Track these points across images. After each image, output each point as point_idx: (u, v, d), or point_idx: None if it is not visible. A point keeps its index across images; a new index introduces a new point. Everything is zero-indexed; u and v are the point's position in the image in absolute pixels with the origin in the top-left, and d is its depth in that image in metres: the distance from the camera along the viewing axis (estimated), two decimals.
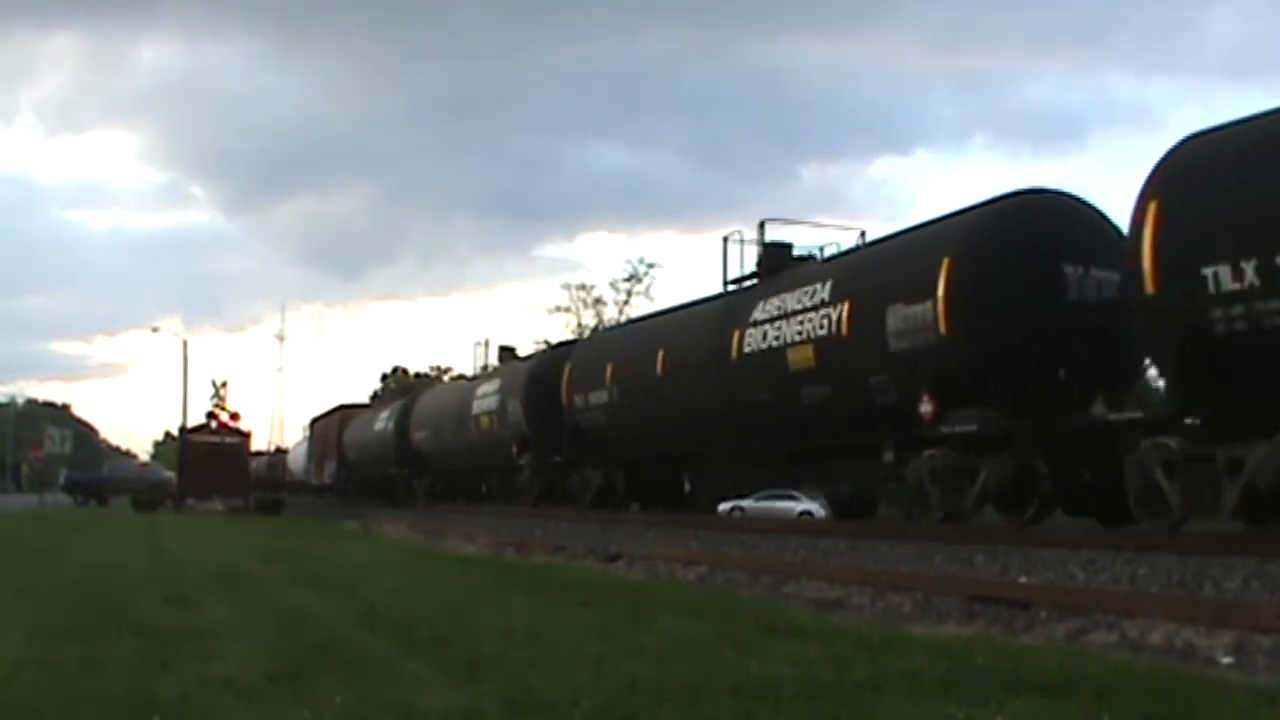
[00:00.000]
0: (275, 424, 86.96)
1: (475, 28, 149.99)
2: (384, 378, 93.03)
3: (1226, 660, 6.23)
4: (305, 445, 61.99)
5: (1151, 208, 11.94)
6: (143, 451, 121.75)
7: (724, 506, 30.58)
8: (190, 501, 40.11)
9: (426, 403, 40.02)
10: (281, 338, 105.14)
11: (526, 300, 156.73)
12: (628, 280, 62.08)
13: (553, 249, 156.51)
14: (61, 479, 51.91)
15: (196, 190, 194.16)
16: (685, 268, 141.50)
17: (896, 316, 15.35)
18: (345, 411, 52.77)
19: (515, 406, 29.17)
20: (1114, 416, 12.86)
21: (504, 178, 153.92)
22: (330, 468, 52.68)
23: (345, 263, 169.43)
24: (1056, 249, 14.30)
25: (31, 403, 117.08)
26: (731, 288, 21.82)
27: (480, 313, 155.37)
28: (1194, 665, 6.15)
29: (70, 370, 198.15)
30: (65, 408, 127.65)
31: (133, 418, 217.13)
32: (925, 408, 14.77)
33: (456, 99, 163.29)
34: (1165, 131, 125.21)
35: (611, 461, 24.78)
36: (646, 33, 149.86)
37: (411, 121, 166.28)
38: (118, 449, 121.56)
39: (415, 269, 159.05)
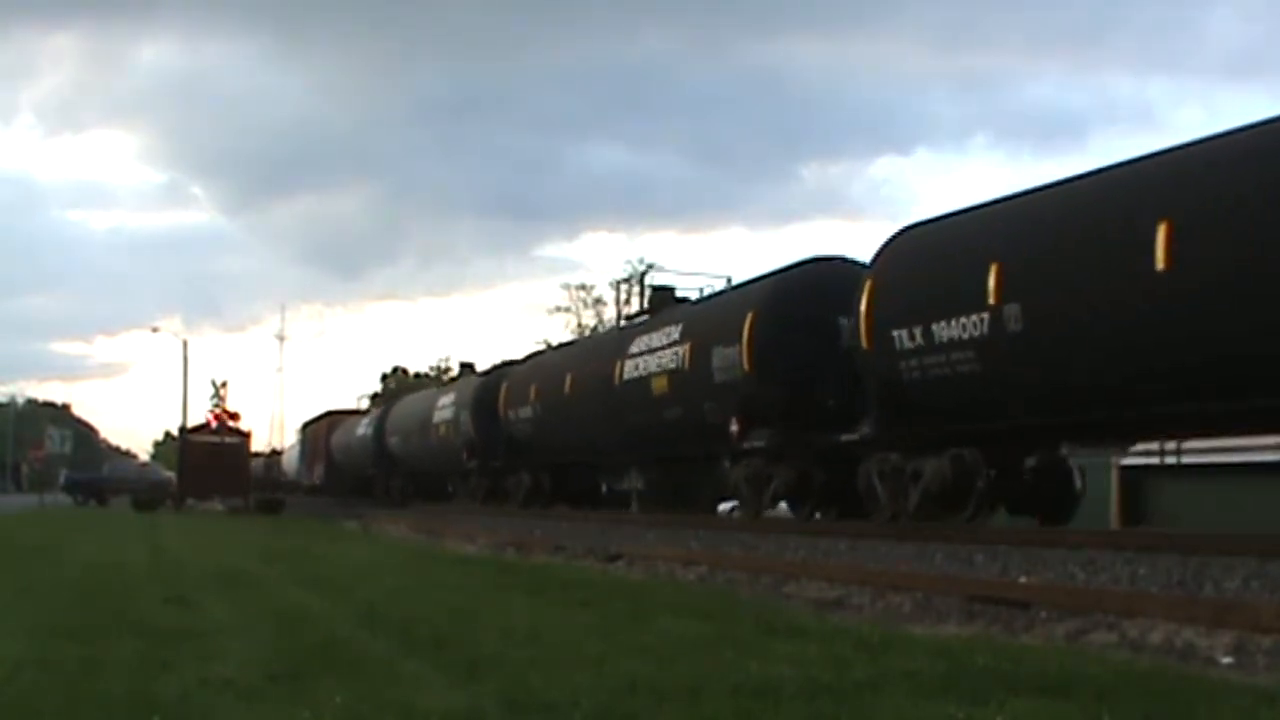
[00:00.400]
0: (275, 424, 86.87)
1: (475, 27, 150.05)
2: (384, 378, 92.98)
3: (1226, 660, 6.23)
4: (298, 448, 63.87)
5: (867, 284, 15.70)
6: (143, 451, 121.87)
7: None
8: (190, 501, 40.14)
9: (399, 410, 43.16)
10: (281, 338, 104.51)
11: (527, 300, 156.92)
12: (627, 281, 62.12)
13: (553, 249, 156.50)
14: (61, 479, 51.99)
15: (196, 190, 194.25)
16: (686, 268, 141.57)
17: (719, 355, 19.27)
18: (334, 417, 55.39)
19: (465, 417, 33.09)
20: (844, 437, 16.42)
21: (504, 177, 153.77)
22: (320, 469, 54.86)
23: (345, 263, 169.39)
24: (833, 305, 17.08)
25: (31, 403, 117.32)
26: (624, 323, 26.85)
27: (481, 313, 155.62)
28: (1194, 665, 6.15)
29: (70, 370, 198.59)
30: (65, 408, 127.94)
31: (133, 418, 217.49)
32: (733, 427, 18.57)
33: (457, 98, 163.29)
34: (1166, 132, 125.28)
35: (538, 467, 29.12)
36: (647, 32, 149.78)
37: (412, 121, 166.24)
38: (118, 449, 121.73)
39: (415, 269, 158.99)
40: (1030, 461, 15.12)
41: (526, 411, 28.37)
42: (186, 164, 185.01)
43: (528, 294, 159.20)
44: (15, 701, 5.03)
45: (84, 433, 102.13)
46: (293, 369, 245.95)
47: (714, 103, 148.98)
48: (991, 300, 13.38)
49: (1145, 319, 11.84)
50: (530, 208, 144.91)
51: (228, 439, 42.06)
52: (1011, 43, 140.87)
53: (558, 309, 64.12)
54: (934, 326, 14.16)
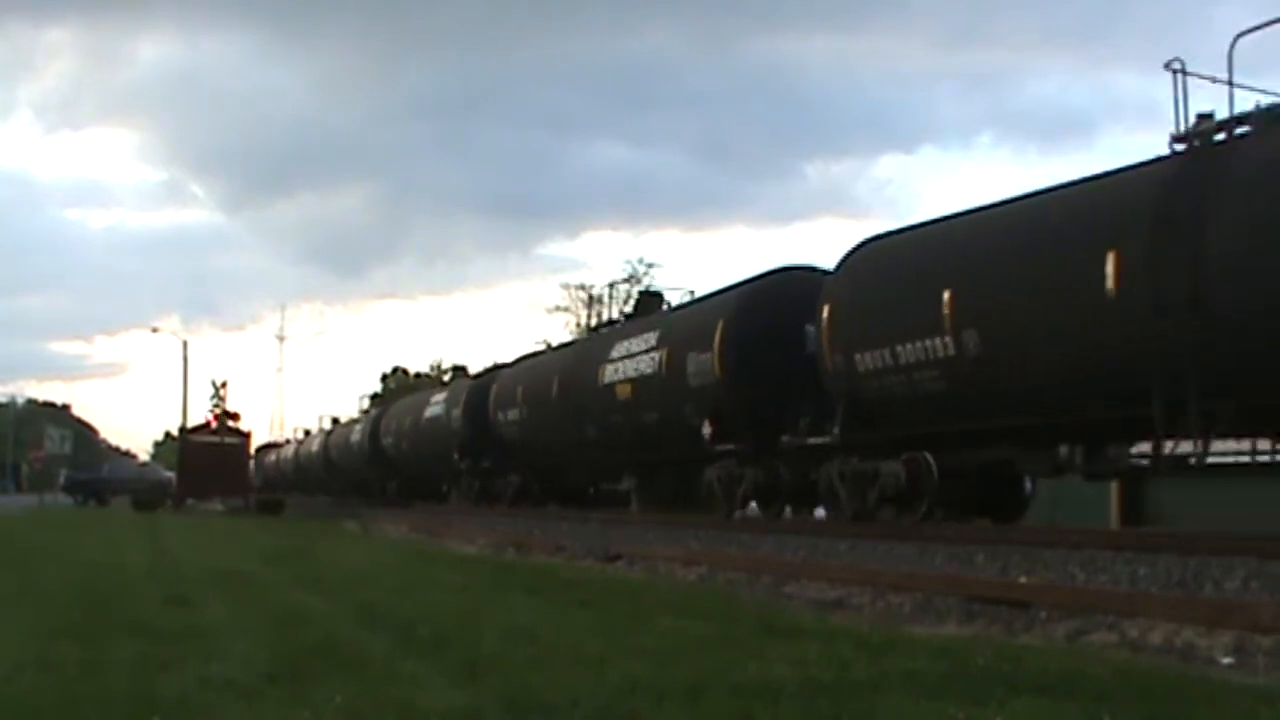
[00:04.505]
0: (275, 424, 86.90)
1: (477, 24, 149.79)
2: (384, 378, 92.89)
3: (1226, 660, 6.23)
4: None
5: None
6: (143, 451, 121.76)
7: None
8: (190, 502, 40.12)
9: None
10: (281, 337, 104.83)
11: (529, 299, 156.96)
12: (627, 281, 62.14)
13: (555, 247, 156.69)
14: (61, 479, 51.93)
15: (196, 188, 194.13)
16: (687, 267, 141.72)
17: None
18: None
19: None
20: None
21: (506, 176, 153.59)
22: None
23: (346, 261, 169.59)
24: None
25: (31, 403, 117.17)
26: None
27: (482, 312, 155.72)
28: (1194, 665, 6.15)
29: (70, 370, 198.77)
30: (65, 408, 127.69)
31: (133, 418, 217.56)
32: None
33: (458, 96, 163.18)
34: (1172, 129, 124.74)
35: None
36: (650, 29, 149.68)
37: (412, 118, 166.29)
38: (118, 449, 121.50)
39: (416, 267, 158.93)
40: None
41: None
42: (186, 162, 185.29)
43: (529, 293, 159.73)
44: (15, 701, 5.03)
45: (84, 433, 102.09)
46: (292, 369, 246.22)
47: (717, 100, 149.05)
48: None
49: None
50: (532, 206, 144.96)
51: (228, 439, 42.05)
52: (1017, 40, 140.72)
53: (557, 309, 64.13)
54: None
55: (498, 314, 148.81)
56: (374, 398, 76.36)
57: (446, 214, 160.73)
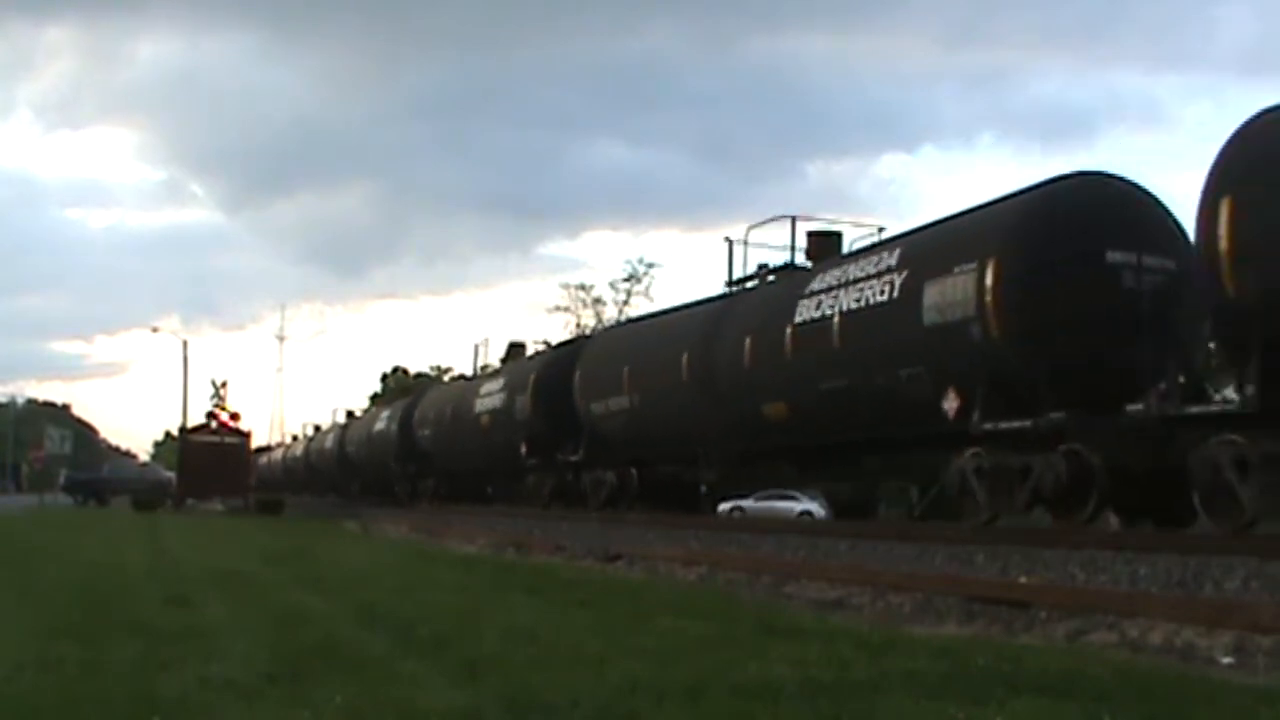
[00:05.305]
0: (275, 424, 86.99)
1: (477, 24, 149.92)
2: (384, 378, 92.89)
3: (1226, 660, 6.23)
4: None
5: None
6: (143, 451, 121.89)
7: (724, 507, 30.60)
8: (190, 502, 40.11)
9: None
10: (281, 337, 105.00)
11: (529, 299, 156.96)
12: (627, 280, 62.06)
13: (555, 247, 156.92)
14: (61, 479, 51.88)
15: (196, 188, 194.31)
16: (688, 267, 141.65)
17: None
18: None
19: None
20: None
21: (506, 175, 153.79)
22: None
23: (346, 261, 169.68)
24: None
25: (31, 403, 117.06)
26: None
27: (482, 312, 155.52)
28: (1194, 665, 6.15)
29: (70, 370, 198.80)
30: (65, 408, 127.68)
31: (133, 418, 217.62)
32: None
33: (458, 95, 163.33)
34: (1175, 129, 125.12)
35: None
36: (651, 28, 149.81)
37: (413, 118, 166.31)
38: (118, 449, 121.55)
39: (416, 267, 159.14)
40: None
41: (620, 402, 23.97)
42: (185, 161, 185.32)
43: (530, 293, 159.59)
44: (15, 701, 5.03)
45: (84, 433, 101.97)
46: (293, 368, 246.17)
47: (718, 99, 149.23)
48: None
49: None
50: (532, 206, 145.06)
51: (228, 439, 42.02)
52: (1018, 39, 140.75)
53: (557, 309, 64.08)
54: None
55: (498, 314, 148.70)
56: (373, 398, 76.38)
57: (446, 214, 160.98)
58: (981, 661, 5.79)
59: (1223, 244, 11.18)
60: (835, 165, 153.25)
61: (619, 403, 24.23)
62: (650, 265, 60.75)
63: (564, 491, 27.88)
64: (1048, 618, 7.69)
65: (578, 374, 26.47)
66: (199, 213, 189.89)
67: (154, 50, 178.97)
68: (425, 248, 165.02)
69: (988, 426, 14.17)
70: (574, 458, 26.63)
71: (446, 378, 71.60)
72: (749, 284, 22.38)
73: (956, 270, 14.59)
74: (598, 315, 61.08)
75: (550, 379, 28.08)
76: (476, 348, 41.21)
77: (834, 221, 22.42)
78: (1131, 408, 12.56)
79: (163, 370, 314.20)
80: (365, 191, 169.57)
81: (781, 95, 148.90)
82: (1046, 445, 13.62)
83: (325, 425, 64.03)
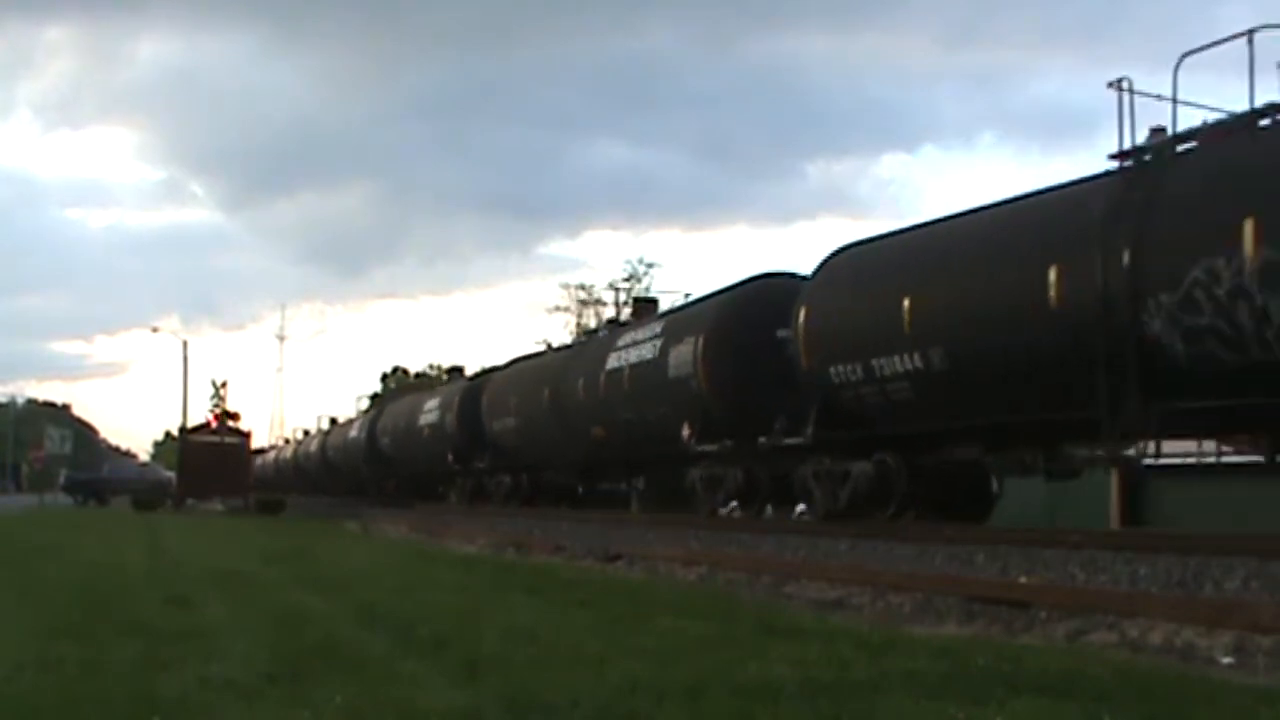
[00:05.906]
0: (275, 424, 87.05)
1: (477, 24, 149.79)
2: (384, 377, 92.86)
3: (1226, 660, 6.23)
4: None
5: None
6: (143, 451, 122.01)
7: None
8: (190, 502, 40.13)
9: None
10: (281, 337, 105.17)
11: (529, 299, 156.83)
12: (627, 280, 62.09)
13: (556, 247, 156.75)
14: (61, 479, 51.94)
15: (195, 187, 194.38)
16: (688, 267, 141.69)
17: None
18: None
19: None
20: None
21: (506, 175, 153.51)
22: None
23: (346, 260, 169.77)
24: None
25: (31, 403, 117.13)
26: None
27: (482, 311, 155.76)
28: (1194, 665, 6.15)
29: (70, 370, 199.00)
30: (65, 408, 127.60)
31: (133, 418, 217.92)
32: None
33: (458, 95, 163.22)
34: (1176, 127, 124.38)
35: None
36: (652, 28, 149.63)
37: (413, 118, 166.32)
38: (118, 449, 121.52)
39: (417, 267, 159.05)
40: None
41: (508, 422, 30.31)
42: (185, 161, 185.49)
43: (530, 293, 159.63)
44: (15, 701, 5.03)
45: (84, 433, 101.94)
46: (293, 368, 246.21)
47: (718, 99, 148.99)
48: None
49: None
50: (533, 205, 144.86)
51: (228, 439, 42.03)
52: (1018, 39, 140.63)
53: (557, 309, 64.13)
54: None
55: (498, 314, 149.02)
56: (373, 398, 76.38)
57: (447, 214, 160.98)
58: (981, 661, 5.80)
59: (801, 333, 16.94)
60: (835, 165, 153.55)
61: (509, 423, 30.37)
62: (650, 265, 60.76)
63: (479, 491, 33.79)
64: (1048, 618, 7.69)
65: (484, 398, 32.46)
66: (199, 212, 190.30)
67: (154, 50, 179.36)
68: (425, 247, 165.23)
69: (700, 448, 20.43)
70: (482, 465, 32.87)
71: (445, 379, 71.72)
72: (599, 333, 29.73)
73: (685, 340, 21.11)
74: (598, 315, 61.11)
75: (468, 401, 33.67)
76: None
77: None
78: (761, 439, 18.17)
79: (163, 370, 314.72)
80: (365, 191, 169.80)
81: (781, 95, 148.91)
82: (753, 460, 19.32)
83: (312, 431, 65.29)
